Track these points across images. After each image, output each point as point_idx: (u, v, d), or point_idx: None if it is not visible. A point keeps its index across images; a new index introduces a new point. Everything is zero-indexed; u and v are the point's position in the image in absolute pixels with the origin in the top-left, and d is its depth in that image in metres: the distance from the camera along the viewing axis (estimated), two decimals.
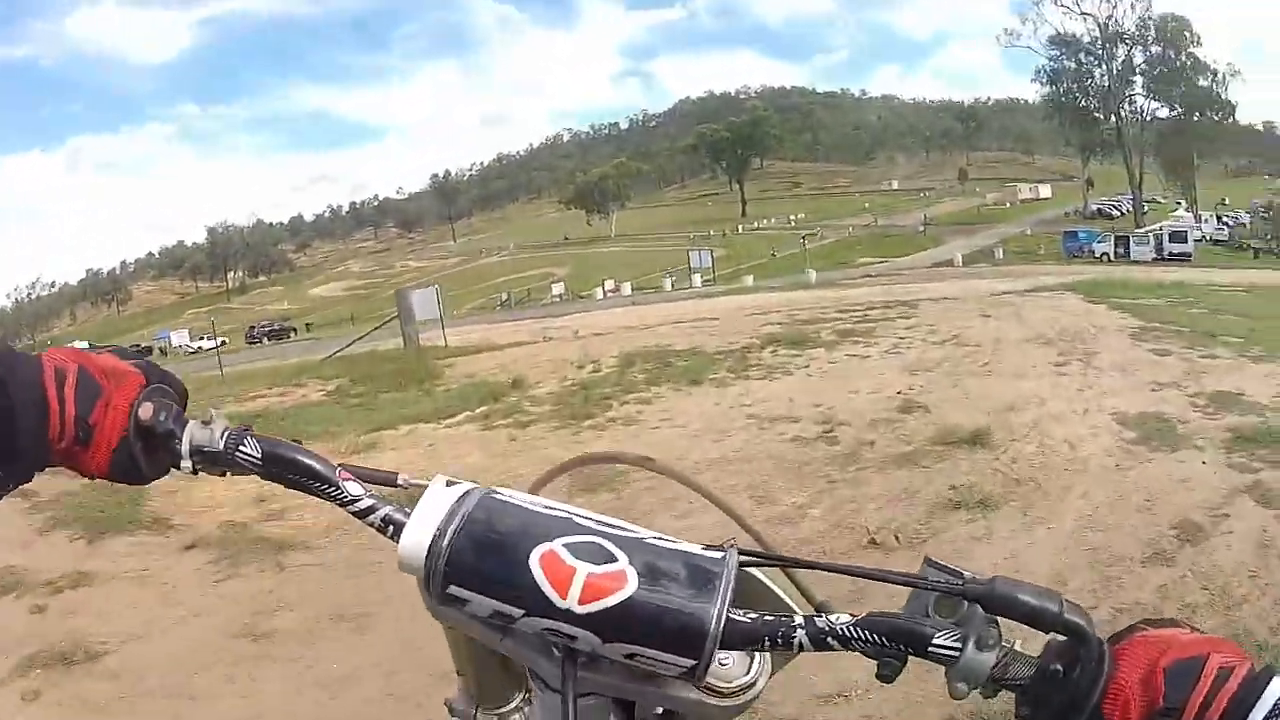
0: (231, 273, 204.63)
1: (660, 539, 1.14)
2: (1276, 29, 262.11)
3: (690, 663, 1.06)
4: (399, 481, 1.29)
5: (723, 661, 1.14)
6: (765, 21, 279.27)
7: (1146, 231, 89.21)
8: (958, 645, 1.04)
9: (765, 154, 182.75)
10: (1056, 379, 17.39)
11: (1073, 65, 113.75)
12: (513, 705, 1.59)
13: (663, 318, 34.90)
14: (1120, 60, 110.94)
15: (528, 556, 1.08)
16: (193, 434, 1.26)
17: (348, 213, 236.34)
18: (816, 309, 32.74)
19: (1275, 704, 0.89)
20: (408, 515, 1.16)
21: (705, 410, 16.37)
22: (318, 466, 1.24)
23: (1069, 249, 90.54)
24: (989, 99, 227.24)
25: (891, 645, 1.07)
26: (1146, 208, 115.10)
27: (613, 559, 1.08)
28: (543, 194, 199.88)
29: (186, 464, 1.26)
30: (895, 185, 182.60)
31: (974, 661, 1.03)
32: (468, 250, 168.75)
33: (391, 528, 1.19)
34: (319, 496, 1.24)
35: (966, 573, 1.09)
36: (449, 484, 1.19)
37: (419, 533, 1.12)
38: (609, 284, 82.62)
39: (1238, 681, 0.91)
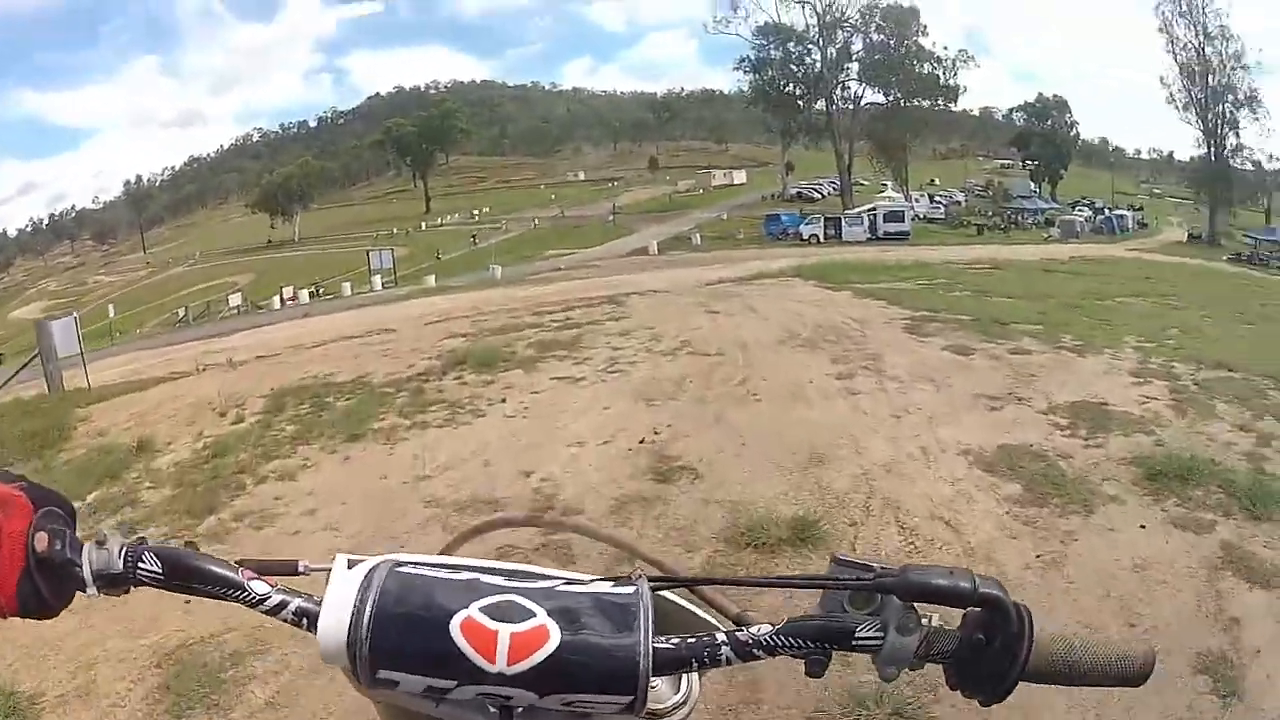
0: None
1: (570, 582, 1.18)
2: (997, 18, 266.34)
3: (627, 699, 1.10)
4: (301, 569, 1.28)
5: (652, 685, 1.14)
6: (460, 16, 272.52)
7: (859, 211, 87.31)
8: (879, 635, 1.13)
9: (452, 149, 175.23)
10: (852, 400, 13.43)
11: (779, 54, 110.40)
12: None
13: (336, 331, 29.02)
14: (837, 47, 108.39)
15: (448, 627, 1.09)
16: (92, 558, 1.22)
17: (47, 226, 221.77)
18: (507, 312, 28.28)
19: None
20: (318, 604, 1.17)
21: (369, 489, 10.85)
22: (221, 571, 1.22)
23: (771, 232, 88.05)
24: (683, 90, 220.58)
25: (816, 646, 1.14)
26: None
27: (530, 614, 1.11)
28: (230, 198, 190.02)
29: (92, 590, 1.22)
30: (582, 176, 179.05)
31: (898, 646, 1.12)
32: (159, 261, 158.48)
33: (305, 620, 1.19)
34: (225, 600, 1.22)
35: (875, 564, 1.16)
36: (350, 563, 1.19)
37: (335, 622, 1.12)
38: (287, 291, 74.89)
39: None
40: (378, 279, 72.64)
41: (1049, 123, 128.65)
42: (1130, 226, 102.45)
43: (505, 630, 1.08)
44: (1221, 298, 33.90)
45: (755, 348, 17.76)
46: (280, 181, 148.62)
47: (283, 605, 1.17)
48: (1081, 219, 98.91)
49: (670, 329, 20.63)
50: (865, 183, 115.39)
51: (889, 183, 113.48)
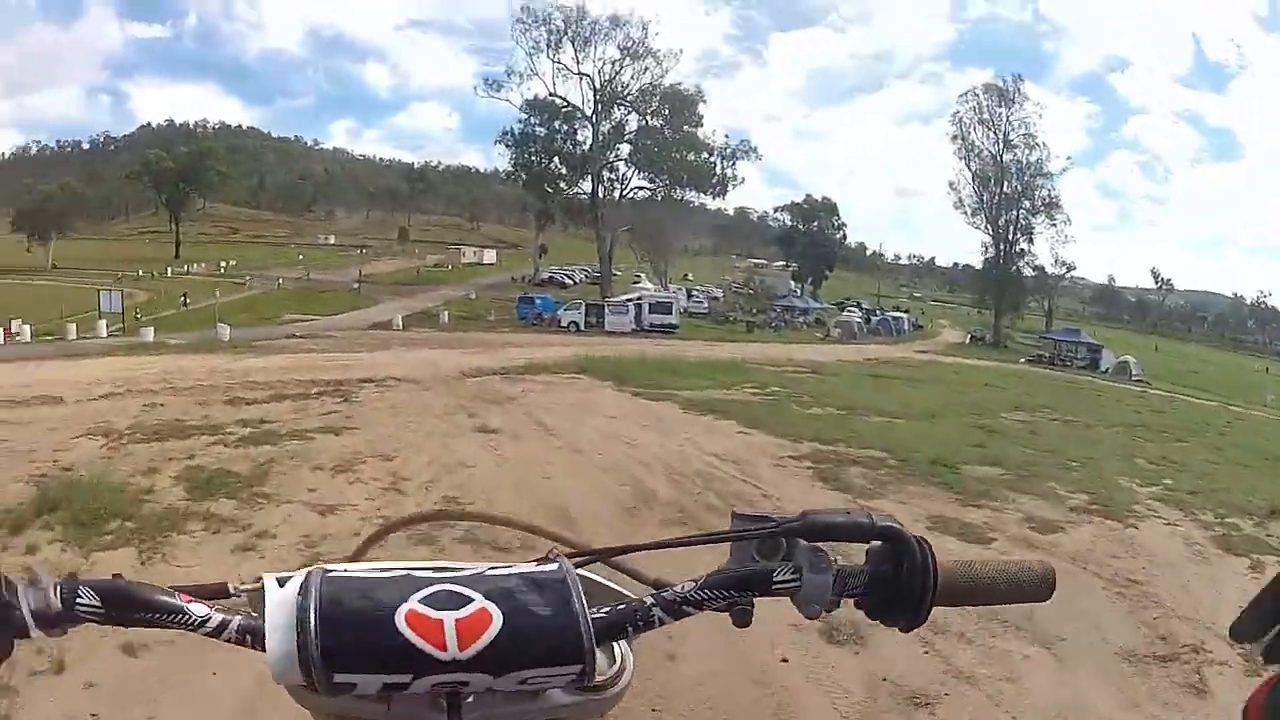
0: None
1: (495, 568, 1.18)
2: (752, 118, 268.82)
3: (577, 668, 1.09)
4: (231, 591, 1.24)
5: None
6: (239, 55, 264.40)
7: (625, 300, 77.34)
8: (795, 576, 1.16)
9: (209, 194, 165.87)
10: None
11: (543, 131, 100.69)
12: None
13: None
14: (610, 125, 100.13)
15: (393, 620, 1.07)
16: (29, 598, 1.11)
17: None
18: (198, 393, 21.16)
19: None
20: (258, 620, 1.13)
21: None
22: (161, 599, 1.15)
23: (524, 315, 77.72)
24: (440, 164, 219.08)
25: (739, 594, 1.18)
26: (595, 280, 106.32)
27: (469, 600, 1.10)
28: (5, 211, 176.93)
29: (36, 633, 1.11)
30: (333, 240, 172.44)
31: (814, 584, 1.16)
32: None
33: (249, 636, 1.14)
34: (167, 628, 1.15)
35: (773, 515, 1.20)
36: (280, 580, 1.16)
37: (281, 634, 1.08)
38: (14, 324, 63.13)
39: None
40: (103, 324, 61.15)
41: (815, 224, 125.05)
42: (907, 328, 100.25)
43: (449, 617, 1.06)
44: (1102, 409, 32.61)
45: (586, 515, 10.94)
46: (40, 202, 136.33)
47: (224, 625, 1.13)
48: (859, 319, 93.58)
49: (421, 462, 13.66)
50: (618, 273, 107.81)
51: (643, 274, 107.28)
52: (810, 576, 1.14)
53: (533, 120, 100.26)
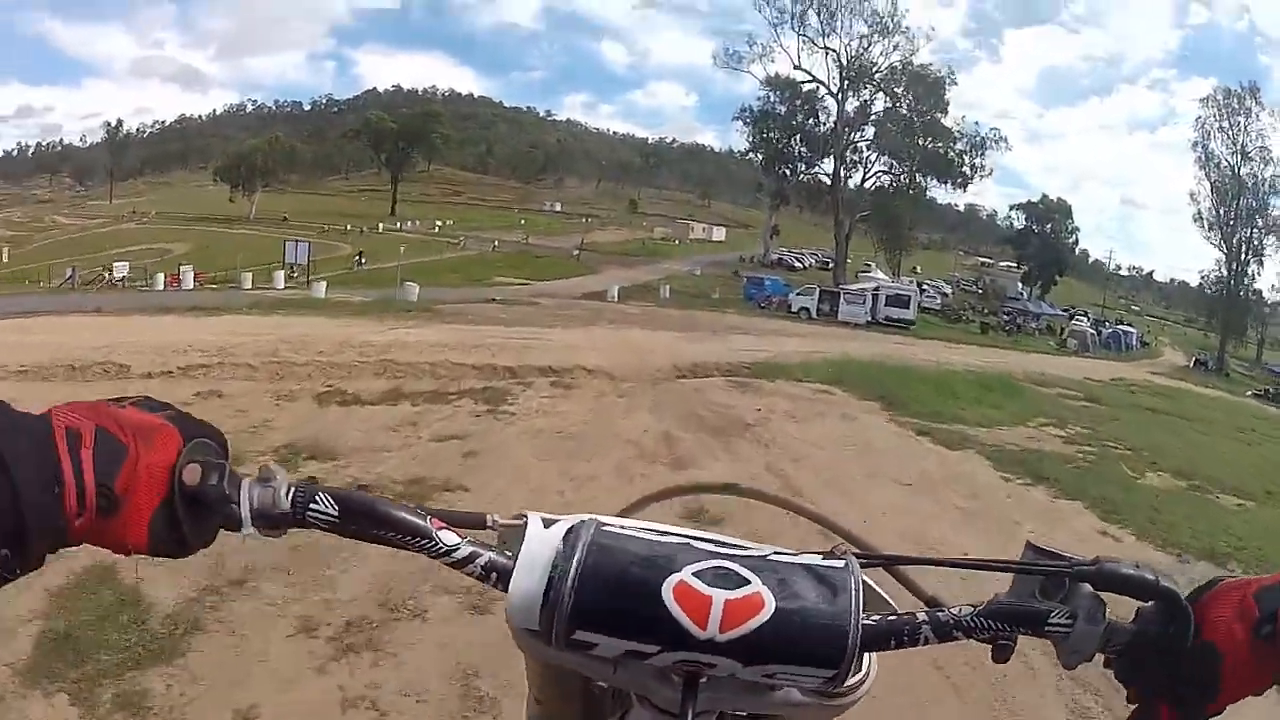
0: None
1: (780, 553, 1.10)
2: (985, 115, 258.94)
3: (829, 673, 1.03)
4: (488, 523, 1.18)
5: None
6: (471, 28, 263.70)
7: (860, 290, 71.78)
8: (1069, 622, 1.08)
9: (434, 157, 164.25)
10: None
11: (784, 109, 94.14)
12: None
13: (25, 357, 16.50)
14: (854, 106, 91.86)
15: (659, 590, 1.01)
16: (253, 495, 1.09)
17: (32, 155, 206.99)
18: (290, 379, 16.66)
19: None
20: (510, 559, 1.09)
21: None
22: (408, 517, 1.11)
23: (752, 296, 73.20)
24: (674, 140, 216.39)
25: (1009, 628, 1.10)
26: (830, 265, 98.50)
27: (745, 582, 1.03)
28: (211, 163, 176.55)
29: (249, 530, 1.10)
30: (559, 207, 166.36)
31: (1084, 635, 1.08)
32: (119, 211, 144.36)
33: (495, 574, 1.10)
34: (408, 549, 1.11)
35: (1067, 554, 1.12)
36: (546, 522, 1.12)
37: (531, 578, 1.05)
38: (184, 270, 61.51)
39: None
40: (280, 275, 58.62)
41: (1049, 226, 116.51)
42: (1135, 344, 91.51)
43: (720, 596, 0.99)
44: None
45: None
46: (246, 153, 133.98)
47: (472, 558, 1.08)
48: (1090, 331, 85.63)
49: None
50: (848, 260, 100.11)
51: (873, 264, 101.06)
52: (1083, 626, 1.06)
53: (773, 97, 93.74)
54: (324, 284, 47.04)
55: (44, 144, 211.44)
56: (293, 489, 1.08)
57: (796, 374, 22.70)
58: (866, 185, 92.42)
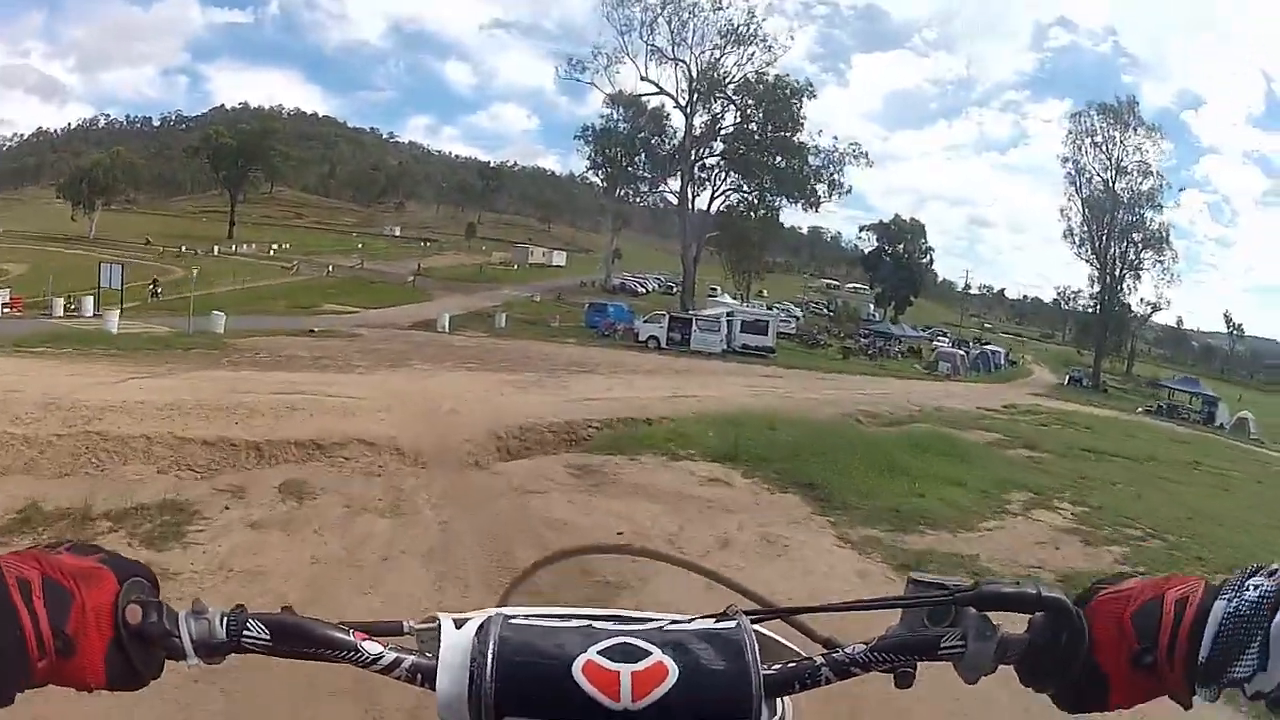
0: None
1: (675, 622, 1.16)
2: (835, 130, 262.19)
3: None
4: (405, 629, 1.24)
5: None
6: (321, 45, 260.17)
7: (715, 316, 62.71)
8: (961, 643, 1.13)
9: (275, 177, 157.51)
10: None
11: (626, 127, 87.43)
12: None
13: None
14: (703, 120, 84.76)
15: (570, 671, 1.06)
16: (191, 628, 1.12)
17: None
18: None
19: (1220, 624, 1.01)
20: (431, 659, 1.13)
21: None
22: (333, 634, 1.15)
23: (594, 324, 65.70)
24: (515, 164, 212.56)
25: (905, 658, 1.14)
26: (676, 289, 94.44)
27: (646, 653, 1.08)
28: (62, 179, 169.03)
29: (193, 660, 1.13)
30: (398, 231, 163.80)
31: (978, 653, 1.12)
32: None
33: (420, 675, 1.13)
34: (336, 662, 1.15)
35: (948, 581, 1.17)
36: (458, 622, 1.16)
37: (454, 675, 1.09)
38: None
39: (1193, 609, 1.03)
40: (88, 302, 51.43)
41: (901, 247, 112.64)
42: (1003, 364, 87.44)
43: (626, 670, 1.05)
44: None
45: None
46: (88, 169, 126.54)
47: (397, 663, 1.12)
48: (960, 353, 79.58)
49: None
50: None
51: (718, 288, 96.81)
52: (976, 645, 1.12)
53: (616, 114, 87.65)
54: (116, 314, 39.86)
55: None
56: (225, 618, 1.11)
57: (664, 440, 16.86)
58: (715, 206, 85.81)
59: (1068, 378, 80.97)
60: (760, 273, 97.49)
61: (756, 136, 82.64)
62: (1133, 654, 1.04)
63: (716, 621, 1.13)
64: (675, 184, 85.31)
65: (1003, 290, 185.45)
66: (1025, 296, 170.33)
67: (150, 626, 1.07)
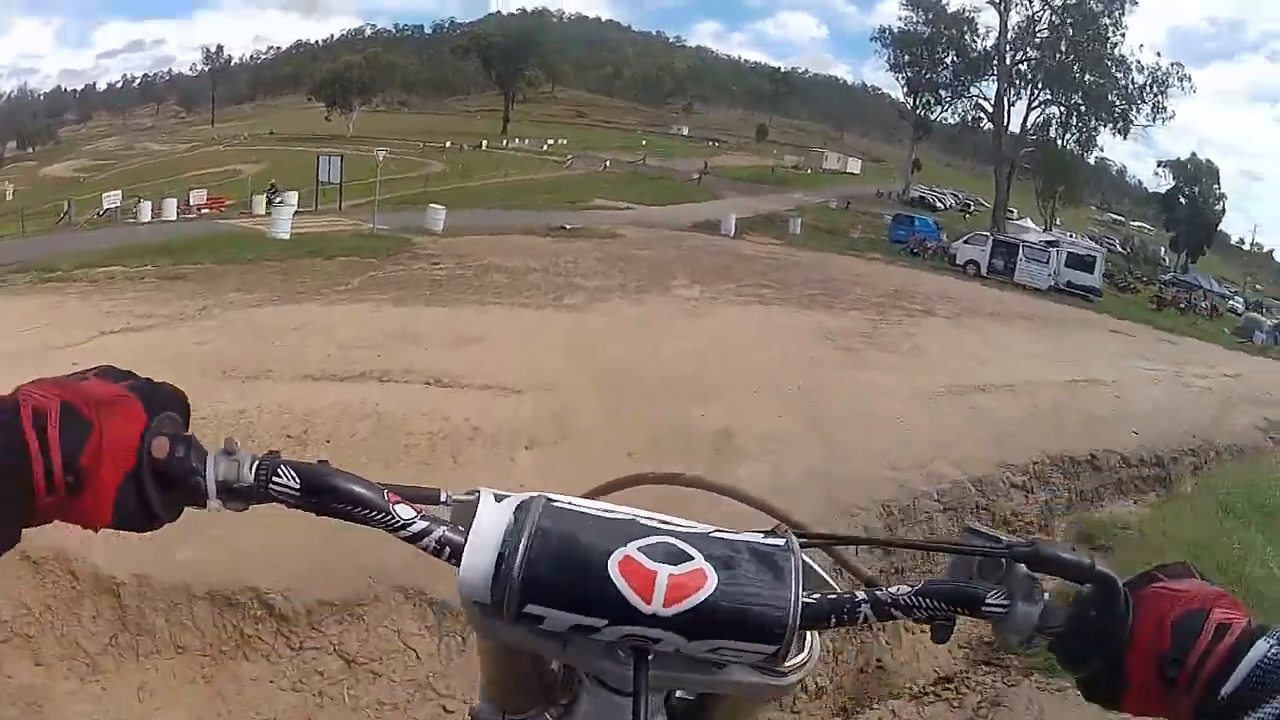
0: None
1: (721, 532, 1.09)
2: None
3: (771, 649, 1.02)
4: (442, 499, 1.15)
5: None
6: None
7: (1044, 245, 51.27)
8: (1006, 602, 1.07)
9: (557, 77, 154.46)
10: None
11: (927, 31, 75.73)
12: (536, 711, 1.44)
13: None
14: (1019, 20, 71.88)
15: (605, 565, 1.00)
16: (219, 468, 1.05)
17: (138, 85, 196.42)
18: None
19: (1254, 666, 0.92)
20: (463, 534, 1.06)
21: None
22: (364, 492, 1.07)
23: (899, 238, 56.10)
24: (806, 70, 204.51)
25: (947, 608, 1.09)
26: (973, 208, 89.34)
27: (688, 557, 1.02)
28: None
29: (215, 503, 1.06)
30: (685, 131, 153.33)
31: (1021, 615, 1.06)
32: (219, 136, 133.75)
33: (448, 549, 1.06)
34: (364, 523, 1.08)
35: (1003, 536, 1.12)
36: (498, 497, 1.10)
37: (483, 553, 1.03)
38: (195, 195, 52.76)
39: (1231, 640, 0.95)
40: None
41: (1197, 190, 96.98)
42: None
43: (664, 571, 0.99)
44: None
45: None
46: (341, 70, 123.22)
47: (427, 532, 1.05)
48: (1271, 321, 62.52)
49: None
50: (985, 204, 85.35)
51: (1014, 210, 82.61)
52: (1021, 606, 1.05)
53: (915, 17, 76.64)
54: (289, 213, 31.94)
55: (151, 75, 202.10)
56: (256, 461, 1.05)
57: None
58: (1031, 120, 73.22)
59: None
60: (1073, 202, 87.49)
61: (1073, 44, 70.07)
62: (1161, 660, 0.97)
63: (765, 537, 1.07)
64: (988, 90, 74.00)
65: (1271, 251, 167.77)
66: None
67: (176, 463, 1.02)
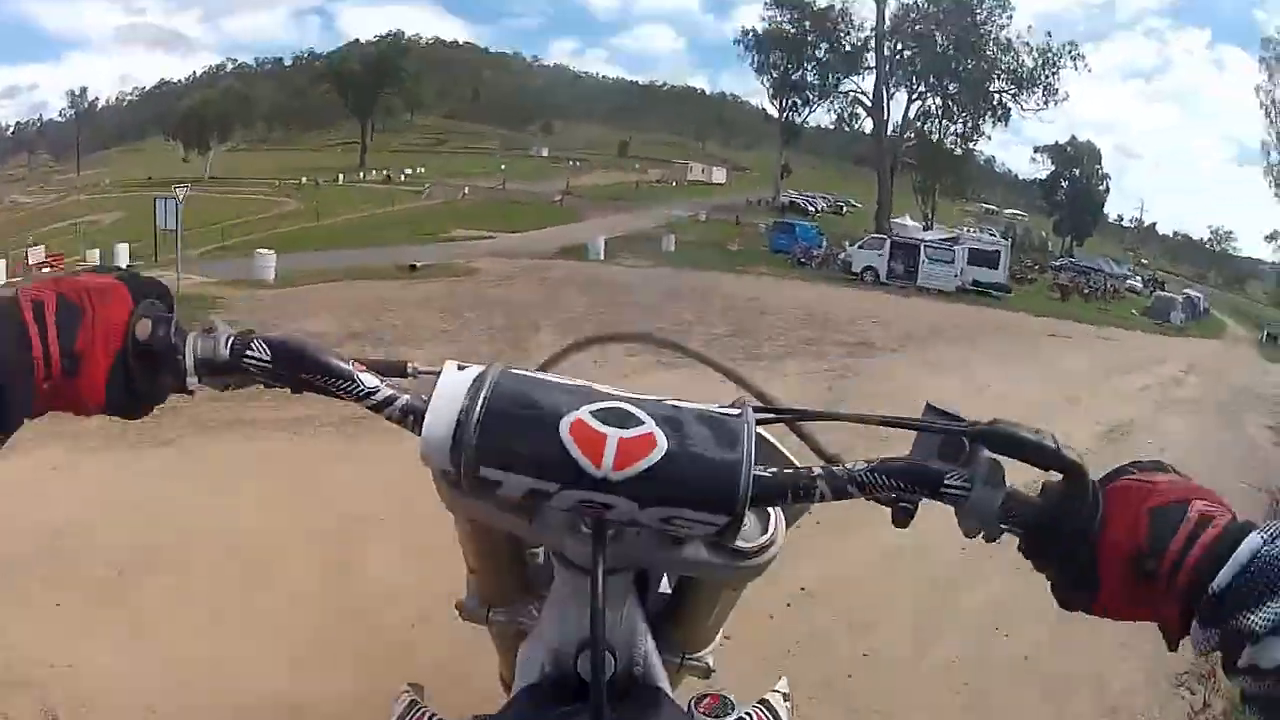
0: None
1: (679, 402, 1.07)
2: None
3: (724, 519, 1.00)
4: (409, 371, 1.19)
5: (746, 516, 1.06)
6: None
7: (947, 242, 47.30)
8: (966, 485, 1.02)
9: (415, 105, 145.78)
10: None
11: (793, 29, 72.83)
12: (521, 603, 1.55)
13: None
14: (892, 15, 69.02)
15: (557, 427, 0.99)
16: (196, 346, 1.09)
17: (11, 133, 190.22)
18: None
19: (1249, 560, 0.86)
20: (425, 403, 1.05)
21: None
22: (333, 361, 1.09)
23: (781, 247, 51.79)
24: (665, 84, 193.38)
25: (906, 488, 1.04)
26: (845, 210, 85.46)
27: (640, 422, 1.01)
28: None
29: (192, 379, 1.10)
30: (545, 152, 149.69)
31: (983, 499, 1.01)
32: (85, 184, 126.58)
33: (411, 417, 1.08)
34: (332, 394, 1.10)
35: (965, 417, 1.07)
36: (460, 367, 1.08)
37: (442, 418, 1.02)
38: (33, 253, 46.20)
39: (1216, 531, 0.89)
40: (123, 250, 42.08)
41: (1078, 172, 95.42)
42: (1202, 311, 66.44)
43: (614, 435, 0.98)
44: None
45: None
46: (197, 106, 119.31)
47: (390, 401, 1.07)
48: (1180, 298, 61.04)
49: None
50: (858, 205, 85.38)
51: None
52: (981, 490, 1.00)
53: (778, 16, 74.02)
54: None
55: (22, 122, 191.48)
56: (231, 338, 1.08)
57: None
58: (913, 111, 70.61)
59: (1265, 334, 59.32)
60: (957, 196, 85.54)
61: (954, 30, 67.01)
62: (1136, 555, 0.92)
63: (721, 408, 1.06)
64: (862, 85, 71.02)
65: (1153, 225, 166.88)
66: (1175, 233, 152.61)
67: (157, 341, 1.04)
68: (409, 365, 1.14)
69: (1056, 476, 0.98)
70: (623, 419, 0.99)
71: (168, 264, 35.19)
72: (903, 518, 1.03)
